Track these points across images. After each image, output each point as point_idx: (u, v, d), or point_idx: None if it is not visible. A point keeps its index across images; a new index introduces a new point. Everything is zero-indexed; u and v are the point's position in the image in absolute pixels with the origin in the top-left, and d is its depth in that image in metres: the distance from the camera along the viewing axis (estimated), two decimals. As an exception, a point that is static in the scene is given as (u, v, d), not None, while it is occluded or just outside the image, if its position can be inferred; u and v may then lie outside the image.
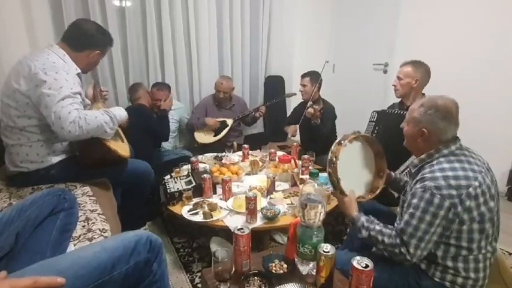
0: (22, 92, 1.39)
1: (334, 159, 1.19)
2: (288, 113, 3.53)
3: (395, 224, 1.21)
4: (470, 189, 0.98)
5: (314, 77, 2.56)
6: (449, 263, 1.04)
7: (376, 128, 1.88)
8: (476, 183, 0.99)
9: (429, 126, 1.08)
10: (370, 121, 1.95)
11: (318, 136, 2.43)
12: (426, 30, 2.66)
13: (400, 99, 2.01)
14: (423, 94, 1.89)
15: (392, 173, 1.42)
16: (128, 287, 0.86)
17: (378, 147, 1.33)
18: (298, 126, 2.68)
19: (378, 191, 1.33)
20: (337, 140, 1.25)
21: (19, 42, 2.16)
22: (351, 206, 1.21)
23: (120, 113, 1.60)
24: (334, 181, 1.21)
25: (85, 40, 1.54)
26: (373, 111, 1.95)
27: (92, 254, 0.81)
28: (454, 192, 0.97)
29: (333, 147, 1.23)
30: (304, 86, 2.59)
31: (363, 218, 1.16)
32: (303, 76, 2.62)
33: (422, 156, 1.12)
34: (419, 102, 1.12)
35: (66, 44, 1.52)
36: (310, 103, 2.45)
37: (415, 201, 1.02)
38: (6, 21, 2.13)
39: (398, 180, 1.41)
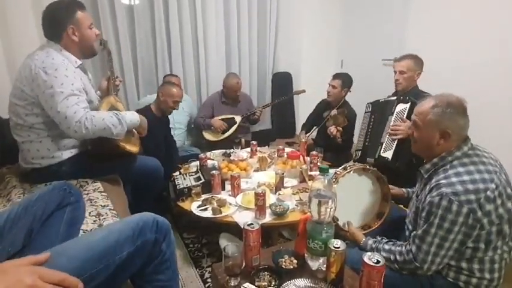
0: (27, 92, 1.40)
1: (333, 180, 1.16)
2: (296, 110, 3.52)
3: (406, 228, 1.18)
4: (488, 192, 0.95)
5: (346, 80, 2.43)
6: (464, 264, 1.02)
7: (372, 117, 1.94)
8: (493, 186, 0.96)
9: (451, 125, 1.03)
10: (365, 112, 2.00)
11: (333, 141, 2.38)
12: (436, 24, 2.60)
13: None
14: (416, 87, 1.98)
15: (403, 190, 1.38)
16: (138, 267, 0.90)
17: (377, 174, 1.29)
18: (306, 134, 2.64)
19: (383, 217, 1.30)
20: (343, 165, 1.25)
21: (31, 43, 2.17)
22: (354, 237, 1.21)
23: (132, 117, 1.58)
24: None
25: (53, 26, 1.46)
26: (368, 103, 2.00)
27: (100, 238, 0.84)
28: (472, 197, 0.94)
29: None
30: (333, 87, 2.45)
31: (370, 241, 1.15)
32: (335, 77, 2.48)
33: (435, 160, 1.07)
34: (426, 104, 1.07)
35: (50, 39, 1.48)
36: (334, 112, 2.37)
37: (433, 209, 0.98)
38: (18, 22, 2.17)
39: (410, 196, 1.34)
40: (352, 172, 1.24)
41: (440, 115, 1.04)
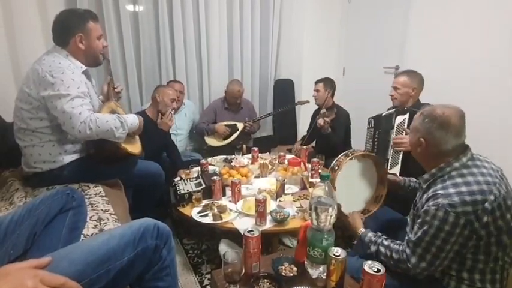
0: (33, 96, 1.42)
1: (336, 168, 1.20)
2: (298, 117, 3.54)
3: (406, 237, 1.19)
4: (486, 204, 0.94)
5: (327, 82, 2.56)
6: (465, 275, 1.01)
7: (376, 132, 1.88)
8: (492, 197, 0.95)
9: (426, 135, 1.05)
10: (368, 127, 1.94)
11: (330, 144, 2.41)
12: (437, 32, 2.62)
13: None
14: (418, 101, 1.95)
15: (400, 178, 1.40)
16: (138, 272, 0.90)
17: (375, 157, 1.34)
18: (301, 144, 2.71)
19: (382, 200, 1.32)
20: (345, 152, 1.27)
21: (36, 48, 2.20)
22: (355, 225, 1.22)
23: (133, 121, 1.60)
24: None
25: (62, 31, 1.51)
26: (369, 118, 1.93)
27: (101, 242, 0.85)
28: (469, 208, 0.94)
29: (338, 157, 1.25)
30: (317, 91, 2.61)
31: (370, 234, 1.16)
32: (317, 82, 2.63)
33: (433, 170, 1.07)
34: (422, 110, 1.10)
35: (57, 44, 1.52)
36: (323, 111, 2.43)
37: (428, 218, 0.98)
38: (24, 27, 2.20)
39: (407, 185, 1.38)
40: (353, 159, 1.25)
41: (420, 123, 1.07)
